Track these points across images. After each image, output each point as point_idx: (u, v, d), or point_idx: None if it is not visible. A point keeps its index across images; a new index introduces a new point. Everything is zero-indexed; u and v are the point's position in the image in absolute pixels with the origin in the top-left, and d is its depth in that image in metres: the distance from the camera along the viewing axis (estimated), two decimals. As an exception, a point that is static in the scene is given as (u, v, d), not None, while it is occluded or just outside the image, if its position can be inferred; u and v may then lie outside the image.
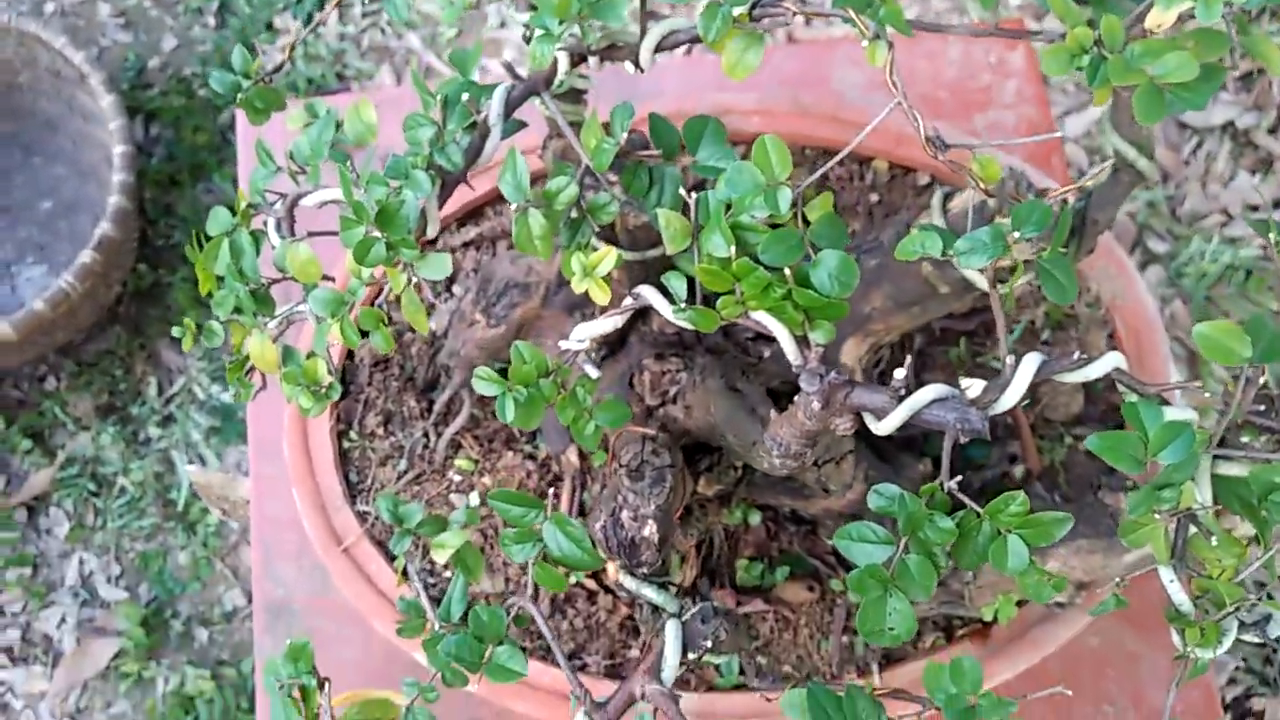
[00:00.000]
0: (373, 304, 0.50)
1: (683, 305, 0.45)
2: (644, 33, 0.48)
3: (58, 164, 1.69)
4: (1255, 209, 1.71)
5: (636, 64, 0.49)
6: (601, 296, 0.45)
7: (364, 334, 0.49)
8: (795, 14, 0.44)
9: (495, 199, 0.83)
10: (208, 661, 1.49)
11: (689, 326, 0.45)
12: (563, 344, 0.49)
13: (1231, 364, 0.43)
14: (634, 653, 0.74)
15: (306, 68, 1.74)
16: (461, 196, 0.80)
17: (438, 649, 0.46)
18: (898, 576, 0.39)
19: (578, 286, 0.45)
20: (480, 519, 0.77)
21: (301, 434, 0.76)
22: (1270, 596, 0.48)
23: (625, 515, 0.56)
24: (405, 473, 0.78)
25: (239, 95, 0.61)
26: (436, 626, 0.49)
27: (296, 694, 0.56)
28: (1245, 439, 0.56)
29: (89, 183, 1.66)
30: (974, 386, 0.43)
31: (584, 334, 0.48)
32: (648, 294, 0.46)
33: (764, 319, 0.44)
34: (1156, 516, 0.43)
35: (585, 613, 0.75)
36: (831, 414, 0.44)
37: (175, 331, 0.60)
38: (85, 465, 1.57)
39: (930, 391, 0.43)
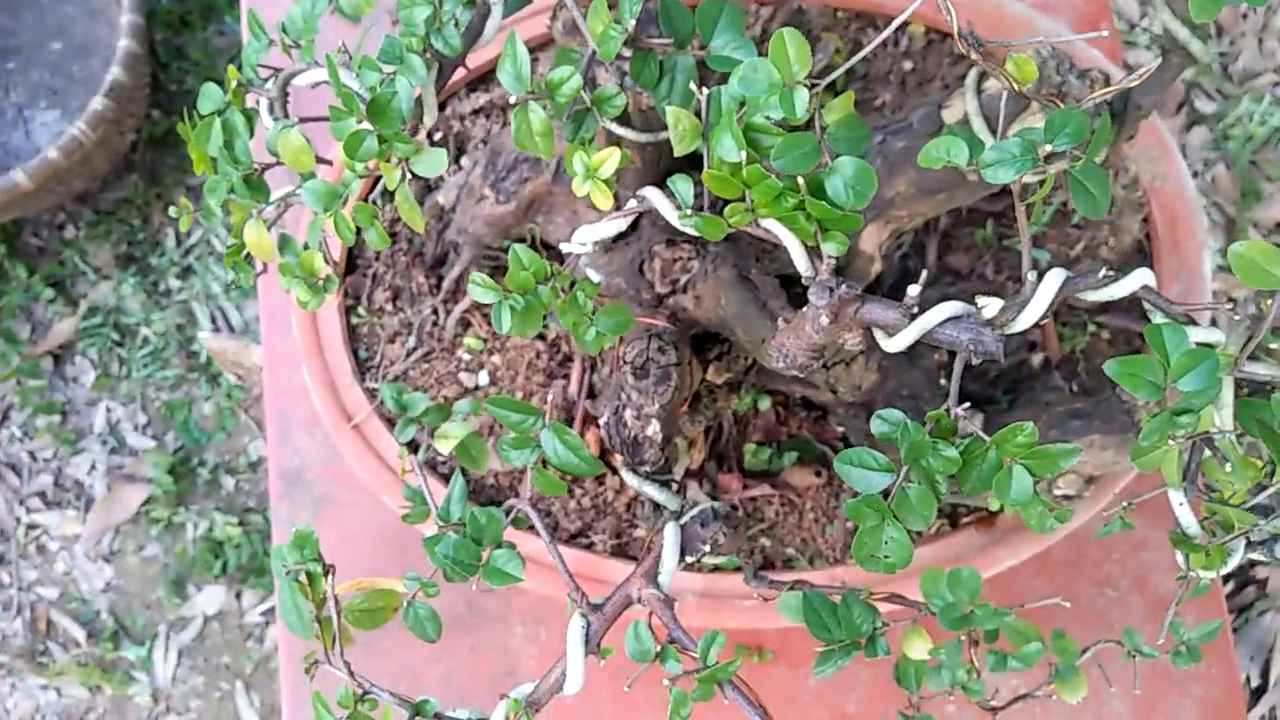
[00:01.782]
0: (368, 196, 0.48)
1: (689, 211, 0.43)
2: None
3: (67, 2, 1.63)
4: (1312, 69, 1.62)
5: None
6: (604, 201, 0.43)
7: (358, 230, 0.47)
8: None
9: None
10: (235, 509, 1.53)
11: (694, 233, 0.42)
12: (564, 246, 0.47)
13: (1268, 287, 0.41)
14: (640, 532, 0.74)
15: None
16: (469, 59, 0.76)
17: (436, 549, 0.46)
18: (897, 505, 0.38)
19: (579, 189, 0.43)
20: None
21: (309, 314, 0.75)
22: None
23: (629, 414, 0.55)
24: (414, 350, 0.77)
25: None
26: (436, 524, 0.49)
27: (303, 579, 0.56)
28: (1273, 344, 0.54)
29: (99, 23, 1.61)
30: (990, 305, 0.41)
31: (586, 236, 0.46)
32: (653, 197, 0.44)
33: (774, 228, 0.42)
34: (1171, 442, 0.42)
35: (592, 492, 0.75)
36: (840, 329, 0.42)
37: (172, 211, 0.58)
38: (108, 315, 1.58)
39: (944, 310, 0.41)
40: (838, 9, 0.82)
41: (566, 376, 0.77)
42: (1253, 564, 1.49)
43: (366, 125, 0.43)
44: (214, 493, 1.55)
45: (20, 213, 1.51)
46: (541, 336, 0.78)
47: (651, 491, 0.54)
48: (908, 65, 0.82)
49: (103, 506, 1.55)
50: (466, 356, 0.78)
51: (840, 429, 0.76)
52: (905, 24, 0.84)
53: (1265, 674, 1.41)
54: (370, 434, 0.74)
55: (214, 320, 1.58)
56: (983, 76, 0.63)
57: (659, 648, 0.45)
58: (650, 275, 0.64)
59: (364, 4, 0.52)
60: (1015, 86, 0.40)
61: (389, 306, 0.79)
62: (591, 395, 0.76)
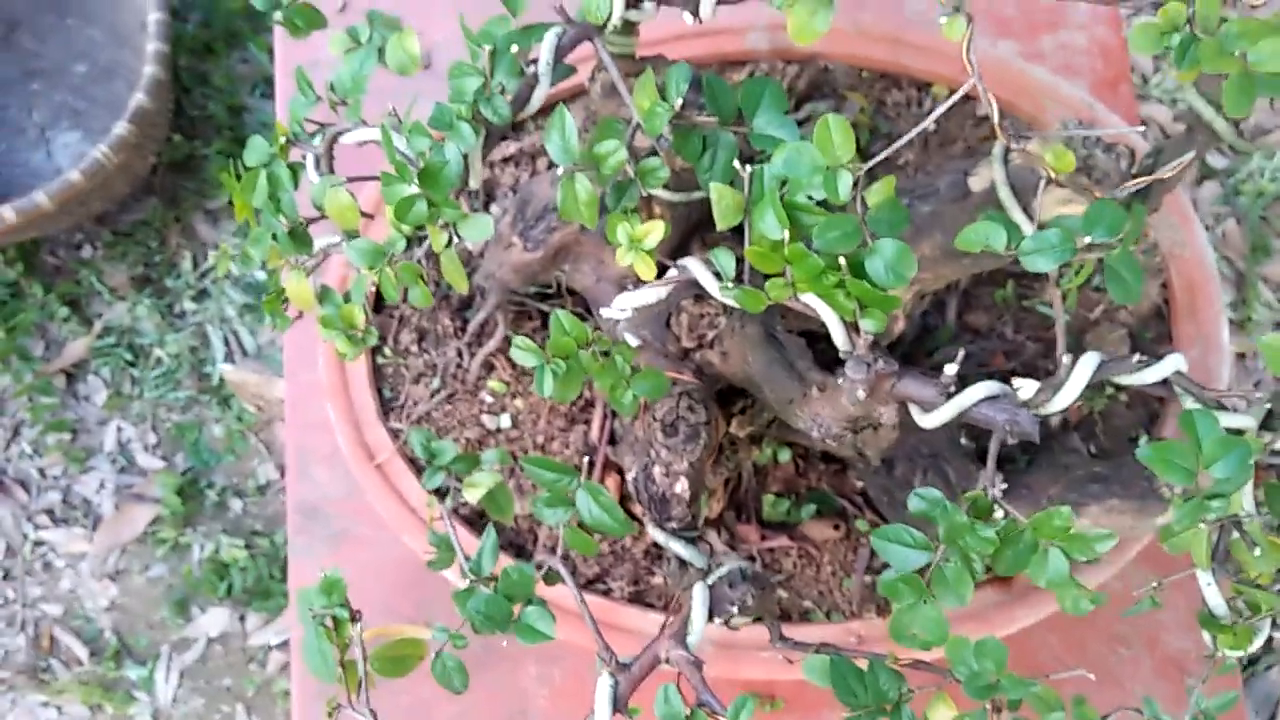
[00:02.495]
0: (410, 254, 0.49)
1: (730, 284, 0.44)
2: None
3: (92, 27, 1.65)
4: (1323, 127, 1.64)
5: (695, 13, 0.47)
6: (648, 272, 0.43)
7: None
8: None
9: (537, 112, 0.81)
10: (241, 532, 1.53)
11: (734, 305, 0.43)
12: (604, 312, 0.48)
13: (1296, 377, 0.42)
14: (657, 579, 0.75)
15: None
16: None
17: (468, 605, 0.47)
18: (934, 583, 0.39)
19: (622, 259, 0.44)
20: (510, 441, 0.78)
21: (337, 358, 0.76)
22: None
23: (657, 470, 0.55)
24: (438, 391, 0.78)
25: (277, 12, 0.59)
26: (466, 576, 0.49)
27: (329, 623, 0.57)
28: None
29: (124, 48, 1.63)
30: (1026, 386, 0.41)
31: (626, 304, 0.47)
32: (694, 268, 0.45)
33: (814, 302, 0.43)
34: (1201, 525, 0.43)
35: (610, 539, 0.76)
36: (876, 402, 0.43)
37: (212, 258, 0.59)
38: (122, 335, 1.59)
39: (981, 390, 0.41)
40: (862, 69, 0.83)
41: (588, 422, 0.78)
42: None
43: (416, 190, 0.44)
44: (221, 515, 1.55)
45: (39, 232, 1.52)
46: (564, 382, 0.79)
47: (679, 549, 0.55)
48: (931, 126, 0.83)
49: (110, 525, 1.55)
50: (489, 399, 0.79)
51: (859, 483, 0.77)
52: (927, 85, 0.85)
53: (1272, 728, 1.41)
54: (392, 474, 0.75)
55: (227, 343, 1.59)
56: (1009, 148, 0.64)
57: (688, 711, 0.45)
58: (677, 329, 0.65)
59: (410, 65, 0.54)
60: (1053, 175, 0.41)
61: (414, 348, 0.79)
62: (613, 441, 0.77)
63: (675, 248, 0.65)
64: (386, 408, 0.77)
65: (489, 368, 0.79)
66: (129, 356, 1.58)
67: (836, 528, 0.77)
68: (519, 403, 0.78)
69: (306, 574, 0.86)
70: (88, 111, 1.65)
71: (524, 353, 0.45)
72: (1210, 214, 1.59)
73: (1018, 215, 0.59)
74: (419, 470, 0.76)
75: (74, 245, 1.62)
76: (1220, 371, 0.76)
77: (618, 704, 0.48)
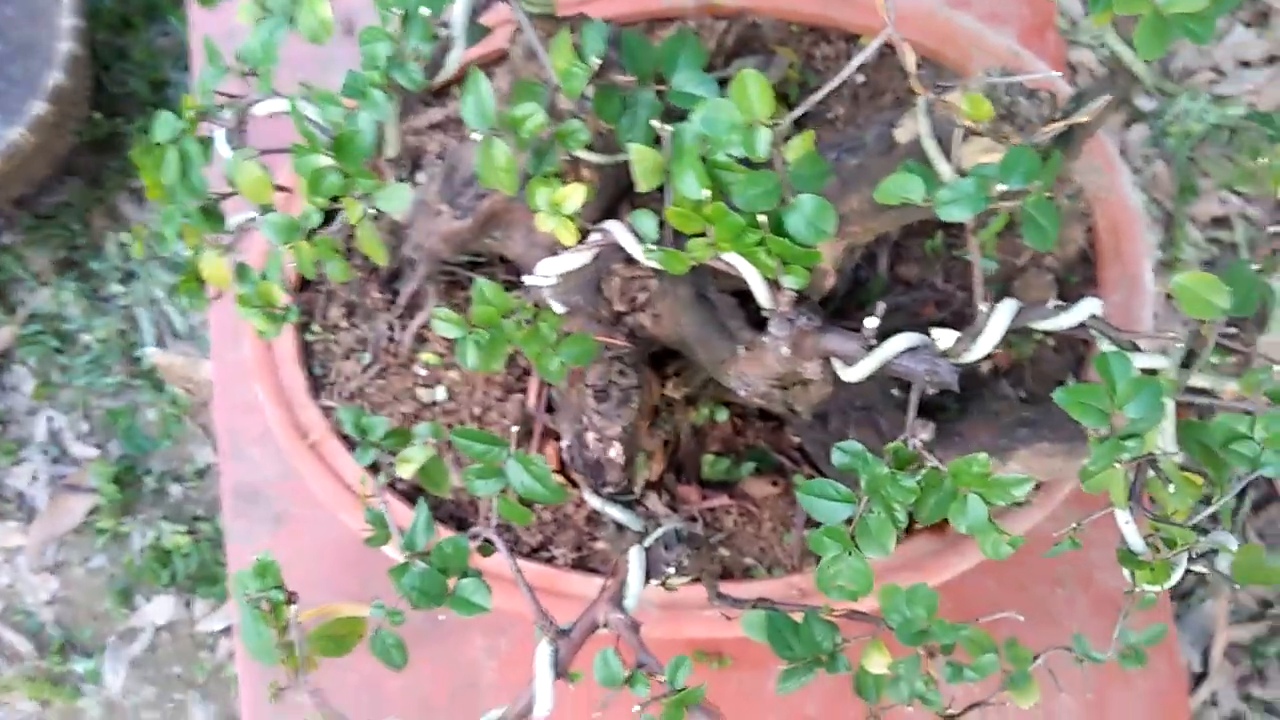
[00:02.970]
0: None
1: (652, 247, 0.44)
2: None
3: (5, 4, 1.60)
4: (1247, 65, 1.67)
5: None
6: (569, 237, 0.43)
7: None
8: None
9: (463, 78, 0.80)
10: (182, 517, 1.51)
11: (657, 266, 0.43)
12: (527, 279, 0.48)
13: (1209, 317, 0.43)
14: (600, 544, 0.75)
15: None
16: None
17: (403, 580, 0.47)
18: (858, 534, 0.39)
19: (542, 224, 0.44)
20: (446, 414, 0.77)
21: (259, 334, 0.75)
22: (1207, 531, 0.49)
23: (591, 437, 0.56)
24: (370, 366, 0.77)
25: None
26: (400, 552, 0.49)
27: (266, 606, 0.57)
28: (1213, 359, 0.56)
29: (39, 25, 1.57)
30: (945, 336, 0.42)
31: (551, 269, 0.47)
32: (616, 232, 0.45)
33: (736, 262, 0.43)
34: (1117, 465, 0.44)
35: (552, 507, 0.76)
36: (800, 358, 0.43)
37: (124, 238, 0.58)
38: (47, 321, 1.55)
39: (901, 341, 0.42)
40: (791, 23, 0.83)
41: (524, 391, 0.78)
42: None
43: (330, 161, 0.44)
44: (161, 501, 1.53)
45: (-45, 218, 1.48)
46: (499, 351, 0.79)
47: (615, 513, 0.55)
48: (859, 78, 0.83)
49: (46, 517, 1.52)
50: (423, 372, 0.78)
51: (796, 439, 0.77)
52: (855, 37, 0.85)
53: (1206, 660, 1.46)
54: (327, 453, 0.75)
55: (157, 326, 1.55)
56: (938, 93, 0.65)
57: (627, 673, 0.46)
58: (609, 293, 0.65)
59: (323, 31, 0.52)
60: (970, 125, 0.41)
61: (344, 323, 0.78)
62: (550, 409, 0.77)
63: (606, 211, 0.65)
64: (317, 385, 0.76)
65: (421, 340, 0.78)
66: (56, 343, 1.54)
67: (775, 484, 0.77)
68: (454, 374, 0.78)
69: (246, 558, 0.85)
70: (5, 91, 1.59)
71: (446, 324, 0.44)
72: (1139, 155, 1.61)
73: (942, 166, 0.59)
74: (353, 447, 0.75)
75: (-8, 232, 1.57)
76: (1144, 313, 0.78)
77: (558, 670, 0.48)
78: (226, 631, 1.49)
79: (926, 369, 0.41)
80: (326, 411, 0.76)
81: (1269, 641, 1.45)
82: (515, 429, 0.49)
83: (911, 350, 0.42)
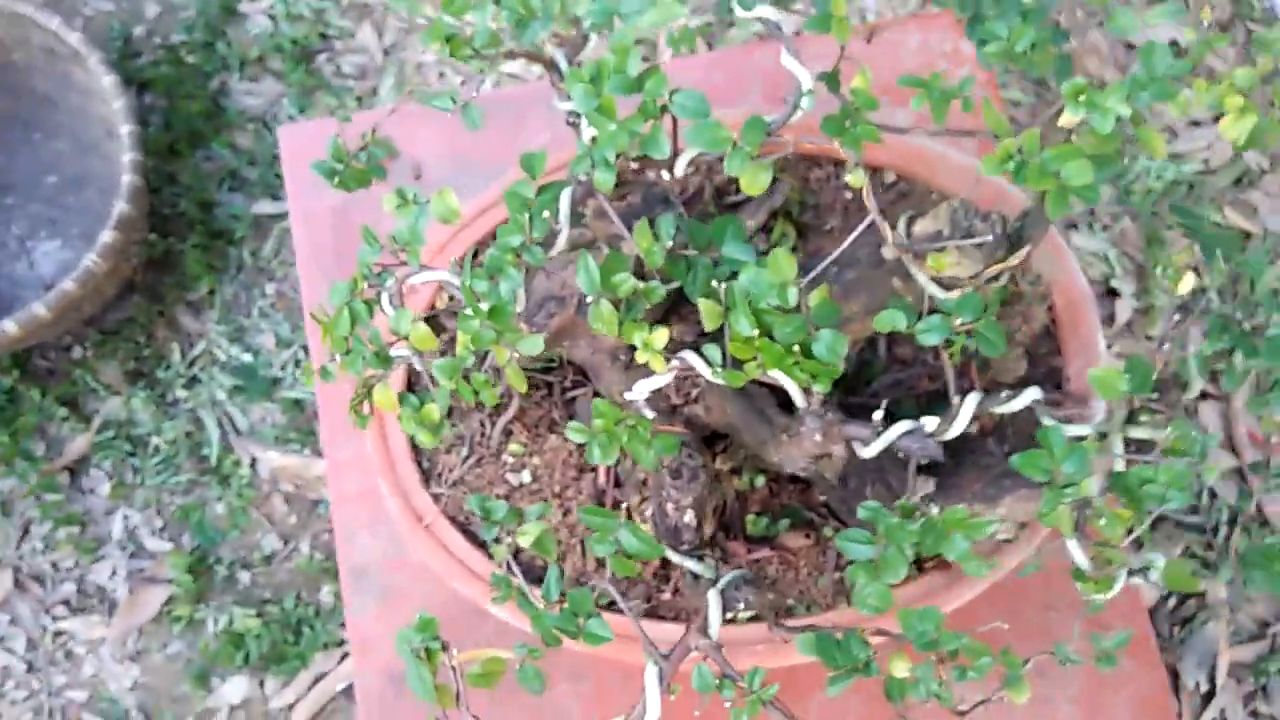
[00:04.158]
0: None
1: (718, 369, 0.64)
2: (676, 154, 0.65)
3: (58, 139, 1.82)
4: (1197, 124, 1.90)
5: (671, 171, 0.67)
6: (660, 366, 0.64)
7: (476, 392, 0.67)
8: (793, 145, 0.62)
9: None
10: (252, 601, 1.70)
11: (722, 383, 0.64)
12: (628, 395, 0.68)
13: (1116, 398, 0.63)
14: (666, 595, 0.95)
15: (290, 28, 1.86)
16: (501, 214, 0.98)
17: (544, 622, 0.66)
18: (880, 566, 0.59)
19: (640, 358, 0.64)
20: (531, 493, 0.97)
21: (380, 430, 0.95)
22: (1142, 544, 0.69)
23: (669, 506, 0.75)
24: (467, 458, 0.97)
25: (335, 177, 0.78)
26: (538, 603, 0.69)
27: (423, 655, 0.76)
28: (1143, 418, 0.77)
29: (91, 157, 1.80)
30: (930, 422, 0.62)
31: (642, 390, 0.67)
32: (690, 359, 0.65)
33: (779, 376, 0.63)
34: (1062, 506, 0.64)
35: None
36: (829, 442, 0.64)
37: (299, 373, 0.78)
38: (120, 428, 1.75)
39: (900, 427, 0.62)
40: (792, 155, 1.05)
41: (595, 469, 0.98)
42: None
43: (487, 323, 0.64)
44: (231, 588, 1.71)
45: (35, 340, 1.68)
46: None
47: (693, 565, 0.75)
48: (848, 195, 1.05)
49: (126, 609, 1.71)
50: (510, 460, 0.98)
51: (823, 497, 0.97)
52: (842, 162, 1.07)
53: (1212, 679, 1.64)
54: (439, 531, 0.94)
55: (221, 425, 1.75)
56: (911, 220, 0.86)
57: (717, 680, 0.65)
58: (667, 390, 0.85)
59: (450, 215, 0.73)
60: (936, 275, 0.62)
61: (444, 423, 0.98)
62: (617, 484, 0.97)
63: (660, 316, 0.86)
64: (426, 477, 0.96)
65: (508, 433, 0.98)
66: (128, 447, 1.74)
67: (808, 536, 0.97)
68: (536, 460, 0.98)
69: (363, 625, 1.04)
70: (63, 220, 1.81)
71: (577, 433, 0.64)
72: (1108, 214, 1.83)
73: (921, 278, 0.80)
74: (459, 527, 0.95)
75: (64, 347, 1.78)
76: (1102, 376, 0.99)
77: (663, 684, 0.68)
78: (295, 706, 1.67)
79: (919, 447, 0.61)
80: (436, 498, 0.95)
81: (1270, 659, 1.63)
82: (597, 502, 0.68)
83: (908, 433, 0.62)
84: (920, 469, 0.79)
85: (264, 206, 1.79)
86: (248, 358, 1.76)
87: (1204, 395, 1.64)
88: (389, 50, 1.78)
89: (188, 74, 1.83)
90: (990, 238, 0.82)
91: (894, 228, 0.86)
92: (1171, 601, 1.66)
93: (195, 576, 1.70)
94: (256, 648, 1.68)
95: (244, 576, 1.72)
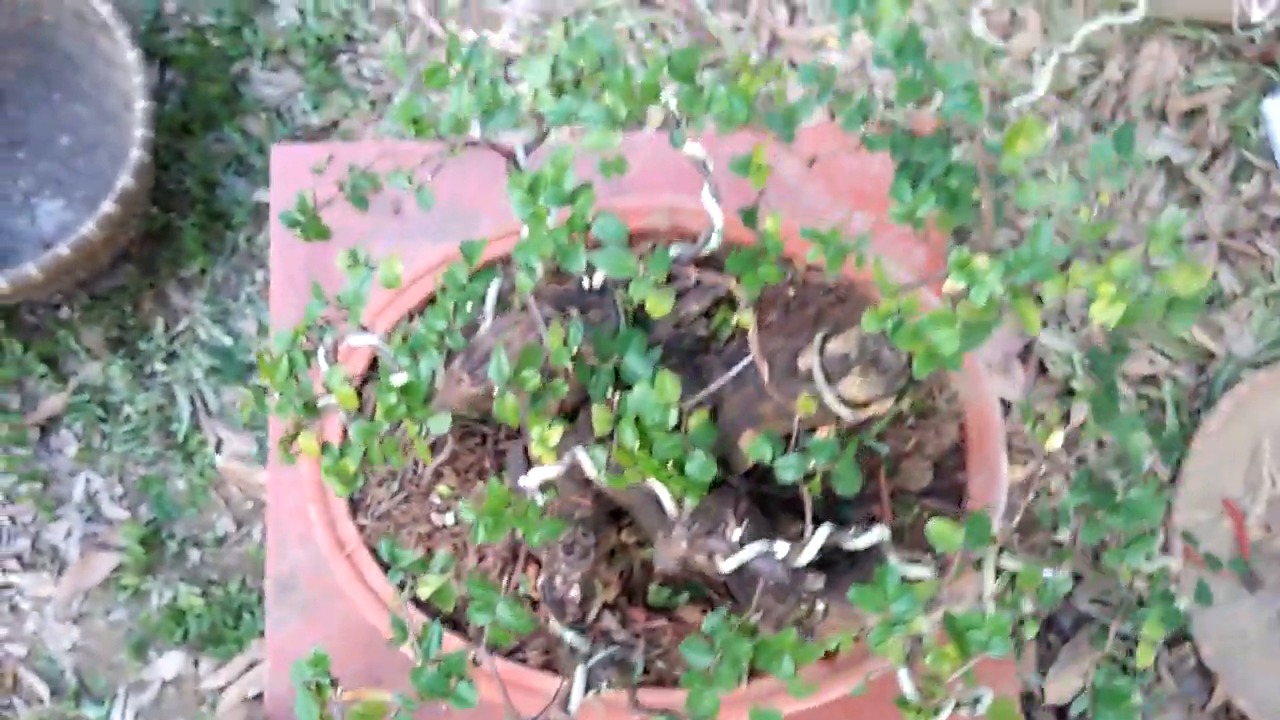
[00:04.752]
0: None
1: (602, 472, 0.73)
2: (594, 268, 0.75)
3: (77, 103, 1.92)
4: (1179, 242, 1.97)
5: (590, 278, 0.76)
6: (551, 460, 0.73)
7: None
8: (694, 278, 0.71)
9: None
10: (199, 580, 1.80)
11: (605, 484, 0.73)
12: (521, 481, 0.77)
13: (951, 549, 0.72)
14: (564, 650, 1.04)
15: (317, 24, 1.96)
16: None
17: (421, 680, 0.76)
18: (715, 675, 0.68)
19: (534, 450, 0.73)
20: (453, 535, 1.06)
21: (316, 465, 1.05)
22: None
23: (558, 579, 0.85)
24: (396, 493, 1.07)
25: (297, 228, 0.88)
26: (418, 657, 0.78)
27: (314, 688, 0.86)
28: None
29: (108, 124, 1.90)
30: (781, 548, 0.71)
31: (536, 479, 0.76)
32: (580, 457, 0.74)
33: (655, 486, 0.73)
34: (893, 639, 0.72)
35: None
36: (694, 552, 0.73)
37: (240, 405, 0.88)
38: (95, 393, 1.85)
39: (753, 549, 0.71)
40: (737, 246, 1.13)
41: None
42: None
43: (399, 399, 0.73)
44: (180, 564, 1.82)
45: (25, 298, 1.79)
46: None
47: (569, 638, 0.84)
48: (791, 291, 1.13)
49: (75, 571, 1.81)
50: (438, 500, 1.08)
51: (721, 576, 1.06)
52: (790, 259, 1.15)
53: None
54: (359, 562, 1.04)
55: (193, 402, 1.86)
56: (825, 339, 0.94)
57: (566, 751, 0.74)
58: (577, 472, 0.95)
59: (394, 281, 0.83)
60: (842, 396, 0.71)
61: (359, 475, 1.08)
62: (533, 539, 1.06)
63: (574, 406, 0.95)
64: (355, 507, 1.06)
65: (438, 475, 1.08)
66: (100, 413, 1.85)
67: (704, 611, 1.06)
68: (461, 503, 1.07)
69: (281, 637, 1.14)
70: (70, 181, 1.92)
71: (466, 511, 0.74)
72: (1077, 317, 1.90)
73: (827, 395, 0.89)
74: (379, 560, 1.04)
75: (53, 305, 1.88)
76: (999, 493, 1.07)
77: (521, 745, 0.77)
78: (225, 689, 1.77)
79: (769, 569, 0.70)
80: (361, 528, 1.05)
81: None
82: (511, 553, 0.77)
83: (763, 555, 0.71)
84: (814, 565, 0.88)
85: (265, 195, 1.89)
86: (228, 341, 1.86)
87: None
88: (410, 59, 1.88)
89: (211, 56, 1.94)
90: (896, 366, 0.91)
91: (814, 338, 0.95)
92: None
93: (147, 548, 1.80)
94: (196, 626, 1.78)
95: (194, 554, 1.82)
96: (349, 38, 1.96)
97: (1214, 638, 1.68)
